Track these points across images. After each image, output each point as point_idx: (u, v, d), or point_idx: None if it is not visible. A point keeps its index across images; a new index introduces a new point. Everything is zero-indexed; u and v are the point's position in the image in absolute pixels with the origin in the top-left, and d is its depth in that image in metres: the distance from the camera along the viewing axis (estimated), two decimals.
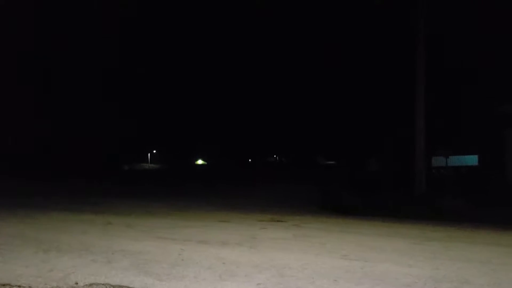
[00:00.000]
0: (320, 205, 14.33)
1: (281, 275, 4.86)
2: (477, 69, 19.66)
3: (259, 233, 8.05)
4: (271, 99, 54.10)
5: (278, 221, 10.10)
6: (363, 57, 26.67)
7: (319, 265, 5.39)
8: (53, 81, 36.19)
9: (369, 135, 30.33)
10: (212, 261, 5.53)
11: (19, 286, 4.41)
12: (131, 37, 41.62)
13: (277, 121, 59.25)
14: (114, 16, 35.37)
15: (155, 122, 53.69)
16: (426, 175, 16.18)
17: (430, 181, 16.69)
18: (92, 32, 36.11)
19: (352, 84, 30.20)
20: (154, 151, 69.80)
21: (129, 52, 41.85)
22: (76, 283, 4.50)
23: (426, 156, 16.48)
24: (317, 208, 13.50)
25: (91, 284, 4.48)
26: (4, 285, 4.43)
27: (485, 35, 19.07)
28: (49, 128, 35.85)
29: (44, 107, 35.34)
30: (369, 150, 33.59)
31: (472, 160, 26.03)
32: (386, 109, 25.05)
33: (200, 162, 76.94)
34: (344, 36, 28.55)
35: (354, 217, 11.40)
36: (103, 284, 4.48)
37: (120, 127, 44.07)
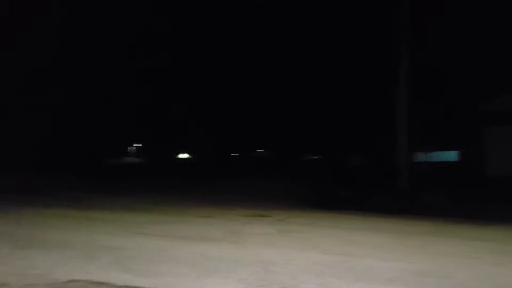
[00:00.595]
0: (304, 200, 14.35)
1: (265, 271, 4.83)
2: (458, 67, 19.90)
3: (243, 228, 8.01)
4: (258, 93, 54.00)
5: (262, 216, 10.07)
6: (348, 53, 26.78)
7: (303, 260, 5.38)
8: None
9: (353, 130, 30.52)
10: (194, 256, 5.47)
11: None
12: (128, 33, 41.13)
13: (263, 116, 59.25)
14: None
15: (137, 114, 53.12)
16: (408, 170, 16.34)
17: (413, 177, 16.87)
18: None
19: (336, 80, 30.30)
20: (136, 145, 69.07)
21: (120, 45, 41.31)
22: (55, 280, 4.40)
23: (408, 152, 16.64)
24: (302, 203, 13.51)
25: (70, 281, 4.37)
26: None
27: (466, 33, 19.31)
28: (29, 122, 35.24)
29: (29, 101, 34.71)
30: (353, 146, 33.80)
31: (452, 156, 26.38)
32: (370, 105, 25.23)
33: (183, 155, 76.32)
34: (328, 33, 28.62)
35: (338, 212, 11.44)
36: (83, 281, 4.38)
37: (102, 119, 43.49)
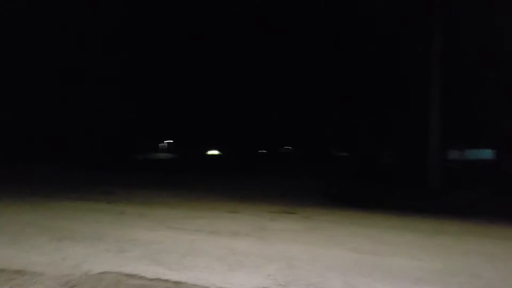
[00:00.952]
0: (331, 197, 14.29)
1: (291, 267, 4.89)
2: (491, 66, 19.40)
3: (269, 224, 8.08)
4: (285, 91, 53.95)
5: (288, 212, 10.11)
6: (376, 48, 26.38)
7: (329, 257, 5.41)
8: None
9: (383, 127, 30.10)
10: (222, 251, 5.58)
11: (33, 272, 4.51)
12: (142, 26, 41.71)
13: (291, 112, 59.13)
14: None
15: (169, 112, 53.91)
16: (440, 168, 16.04)
17: (445, 174, 16.55)
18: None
19: (367, 76, 29.92)
20: (168, 141, 70.11)
21: (140, 39, 41.99)
22: (89, 271, 4.58)
23: (440, 149, 16.33)
24: (329, 201, 13.45)
25: (103, 273, 4.56)
26: (18, 271, 4.53)
27: (500, 30, 18.78)
28: (66, 116, 36.24)
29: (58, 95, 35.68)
30: (383, 142, 33.34)
31: (486, 154, 25.73)
32: (401, 102, 24.82)
33: (212, 152, 77.03)
34: (347, 26, 28.34)
35: (366, 210, 11.34)
36: (115, 273, 4.56)
37: (134, 116, 44.35)
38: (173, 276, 4.49)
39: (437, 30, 15.55)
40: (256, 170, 31.07)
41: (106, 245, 5.79)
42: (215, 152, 75.82)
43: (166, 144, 69.32)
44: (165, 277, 4.45)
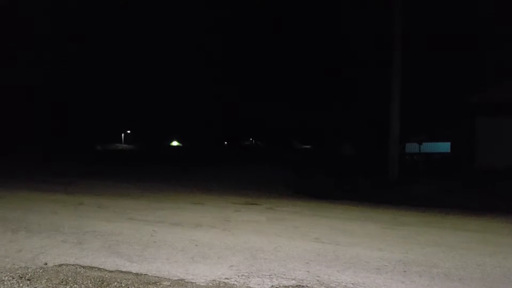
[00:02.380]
0: (295, 188, 14.43)
1: (254, 258, 4.88)
2: (452, 58, 20.02)
3: (232, 215, 8.06)
4: (249, 81, 54.00)
5: (252, 204, 10.13)
6: (339, 39, 26.77)
7: (292, 248, 5.43)
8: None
9: (344, 120, 30.61)
10: (184, 243, 5.51)
11: None
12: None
13: (253, 104, 59.28)
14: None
15: (129, 101, 52.91)
16: (399, 161, 16.45)
17: (403, 167, 16.99)
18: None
19: (327, 68, 30.32)
20: (128, 131, 68.87)
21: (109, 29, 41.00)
22: (46, 264, 4.42)
23: (400, 142, 16.74)
24: (291, 192, 13.58)
25: (60, 265, 4.40)
26: None
27: (455, 24, 19.41)
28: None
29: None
30: (344, 135, 33.92)
31: (444, 147, 26.55)
32: (362, 95, 25.28)
33: (175, 143, 76.33)
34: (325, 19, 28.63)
35: (328, 201, 11.52)
36: (73, 265, 4.41)
37: (94, 105, 43.24)
38: (134, 268, 4.39)
39: (397, 14, 15.87)
40: (219, 161, 30.97)
41: (63, 237, 5.60)
42: (177, 143, 75.14)
43: (127, 134, 68.06)
44: (125, 269, 4.34)
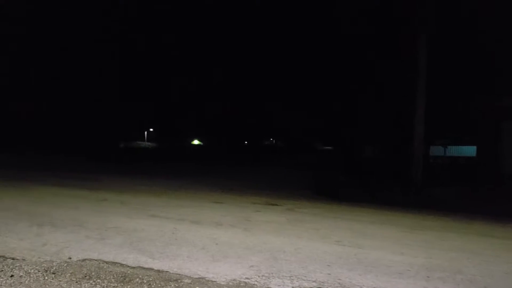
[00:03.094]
0: (315, 190, 14.35)
1: (274, 258, 4.87)
2: (479, 60, 19.58)
3: (253, 215, 8.06)
4: (271, 82, 53.98)
5: (272, 204, 10.11)
6: (361, 43, 26.49)
7: (312, 250, 5.40)
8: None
9: (367, 121, 30.26)
10: (205, 241, 5.53)
11: (13, 258, 4.41)
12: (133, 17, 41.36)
13: (276, 104, 59.21)
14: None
15: (153, 100, 53.45)
16: (423, 164, 16.18)
17: (427, 170, 16.71)
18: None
19: (351, 71, 30.03)
20: (151, 129, 69.63)
21: (130, 29, 41.56)
22: (70, 258, 4.50)
23: (423, 145, 16.46)
24: (312, 193, 13.51)
25: (84, 260, 4.47)
26: None
27: (485, 27, 18.98)
28: (44, 105, 35.85)
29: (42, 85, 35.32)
30: (366, 137, 33.55)
31: (470, 151, 26.00)
32: (386, 96, 24.96)
33: (196, 142, 76.88)
34: (342, 20, 28.39)
35: (349, 203, 11.41)
36: (96, 260, 4.47)
37: (118, 104, 43.85)
38: (156, 264, 4.43)
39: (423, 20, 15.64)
40: (240, 161, 31.04)
41: (87, 232, 5.69)
42: (198, 142, 75.66)
43: (150, 132, 68.82)
44: (147, 266, 4.38)
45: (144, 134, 68.82)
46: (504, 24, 17.96)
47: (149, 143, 65.13)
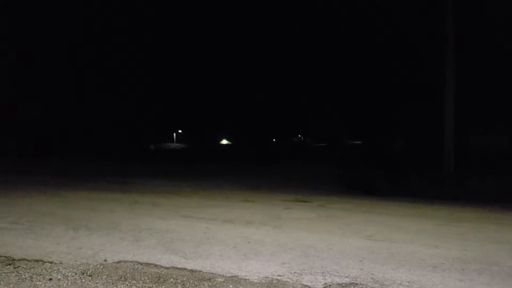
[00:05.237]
0: (345, 185, 14.24)
1: (306, 255, 4.87)
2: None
3: (283, 213, 8.07)
4: (298, 79, 53.79)
5: (302, 201, 10.09)
6: (388, 35, 26.09)
7: (344, 245, 5.37)
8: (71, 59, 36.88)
9: (395, 113, 29.78)
10: (237, 240, 5.58)
11: (51, 262, 4.55)
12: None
13: (303, 101, 58.94)
14: None
15: (180, 102, 54.09)
16: (455, 154, 15.81)
17: (464, 160, 16.35)
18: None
19: (377, 64, 29.63)
20: (180, 131, 70.44)
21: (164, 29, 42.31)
22: (105, 260, 4.62)
23: (454, 135, 16.09)
24: (343, 189, 13.41)
25: (119, 261, 4.58)
26: (37, 261, 4.58)
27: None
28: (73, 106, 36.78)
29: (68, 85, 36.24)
30: (395, 129, 33.02)
31: (503, 141, 25.26)
32: (414, 88, 24.50)
33: (224, 142, 77.33)
34: (369, 14, 28.03)
35: (380, 197, 11.28)
36: (131, 262, 4.58)
37: (146, 106, 44.59)
38: (189, 264, 4.50)
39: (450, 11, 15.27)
40: (268, 159, 31.05)
41: (121, 234, 5.82)
42: (227, 141, 76.08)
43: (179, 133, 69.48)
44: (180, 266, 4.46)
45: (173, 135, 69.67)
46: None
47: (178, 144, 65.86)
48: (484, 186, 12.79)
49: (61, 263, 4.53)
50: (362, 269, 4.37)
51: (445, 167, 15.34)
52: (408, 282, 4.03)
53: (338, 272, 4.27)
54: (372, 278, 4.12)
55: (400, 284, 3.98)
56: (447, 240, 5.77)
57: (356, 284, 3.98)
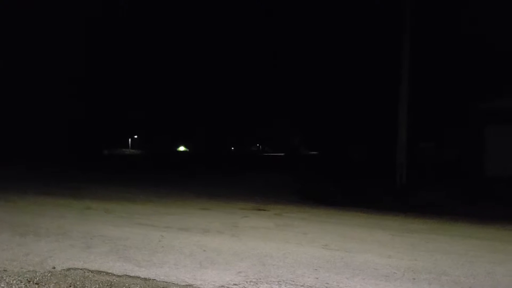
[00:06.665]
0: (302, 195, 14.37)
1: (262, 264, 4.85)
2: (462, 63, 19.91)
3: (240, 221, 8.03)
4: (255, 88, 54.13)
5: (260, 210, 10.10)
6: (347, 48, 26.78)
7: (300, 254, 5.40)
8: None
9: (352, 125, 30.49)
10: (192, 248, 5.49)
11: None
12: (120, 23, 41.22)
13: (261, 110, 59.37)
14: None
15: (136, 106, 53.16)
16: (407, 167, 16.31)
17: (417, 169, 16.91)
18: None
19: (336, 75, 30.29)
20: (135, 136, 69.11)
21: (118, 36, 41.44)
22: (54, 268, 4.42)
23: (406, 148, 16.62)
24: (299, 198, 13.53)
25: (69, 269, 4.40)
26: None
27: (467, 31, 19.34)
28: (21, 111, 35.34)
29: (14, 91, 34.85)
30: (352, 141, 33.80)
31: (453, 153, 26.33)
32: (371, 100, 25.20)
33: (182, 148, 76.57)
34: (330, 27, 28.70)
35: (336, 207, 11.46)
36: (81, 269, 4.40)
37: (99, 110, 43.45)
38: (142, 272, 4.38)
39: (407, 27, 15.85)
40: (226, 167, 30.97)
41: (71, 241, 5.60)
42: (184, 148, 75.35)
43: (134, 139, 68.23)
44: (133, 274, 4.33)
45: (128, 140, 68.24)
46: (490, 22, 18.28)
47: (134, 150, 64.59)
48: (435, 197, 13.27)
49: (5, 270, 4.29)
50: (317, 278, 4.40)
51: (398, 178, 15.79)
52: None
53: (293, 281, 4.28)
54: (326, 287, 4.15)
55: None
56: (399, 250, 5.91)
57: None
